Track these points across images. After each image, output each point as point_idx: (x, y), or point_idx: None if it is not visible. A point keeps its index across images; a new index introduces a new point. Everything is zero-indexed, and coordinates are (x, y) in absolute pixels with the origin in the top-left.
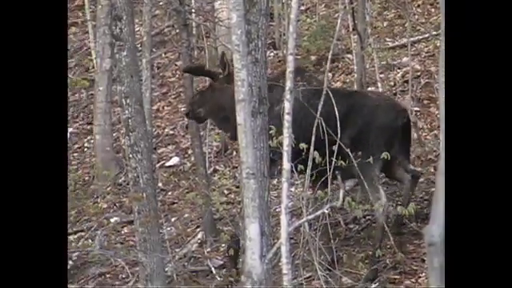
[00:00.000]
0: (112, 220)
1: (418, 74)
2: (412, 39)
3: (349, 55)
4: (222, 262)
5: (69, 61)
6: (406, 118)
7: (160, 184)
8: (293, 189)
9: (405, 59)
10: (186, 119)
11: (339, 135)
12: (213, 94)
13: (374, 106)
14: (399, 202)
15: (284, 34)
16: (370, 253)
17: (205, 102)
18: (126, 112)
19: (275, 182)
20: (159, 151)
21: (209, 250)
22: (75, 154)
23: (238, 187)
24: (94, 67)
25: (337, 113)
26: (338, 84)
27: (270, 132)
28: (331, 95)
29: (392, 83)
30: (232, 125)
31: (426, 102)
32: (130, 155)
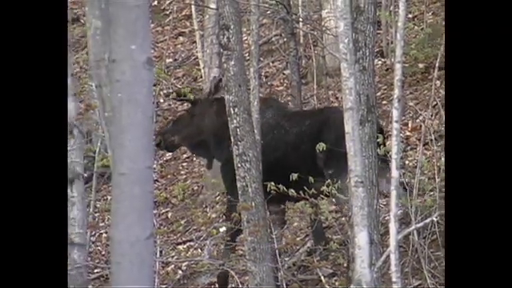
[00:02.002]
0: (221, 229)
1: None
2: None
3: None
4: (331, 271)
5: (176, 70)
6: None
7: None
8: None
9: None
10: None
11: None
12: (191, 119)
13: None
14: None
15: (391, 42)
16: None
17: (180, 128)
18: (234, 121)
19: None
20: None
21: (318, 258)
22: (184, 164)
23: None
24: (201, 77)
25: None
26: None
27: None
28: (298, 116)
29: None
30: (208, 150)
31: None
32: (239, 164)
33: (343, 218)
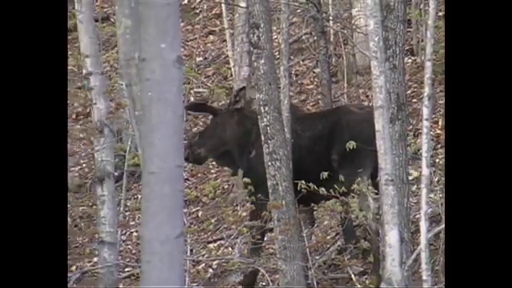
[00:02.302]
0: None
1: None
2: None
3: None
4: (362, 269)
5: (207, 69)
6: None
7: None
8: (432, 195)
9: None
10: None
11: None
12: (215, 130)
13: (358, 120)
14: None
15: (422, 40)
16: None
17: (205, 141)
18: (265, 120)
19: (414, 188)
20: None
21: (349, 256)
22: (214, 163)
23: (377, 193)
24: (232, 75)
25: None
26: None
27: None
28: (310, 119)
29: None
30: (233, 160)
31: None
32: (269, 163)
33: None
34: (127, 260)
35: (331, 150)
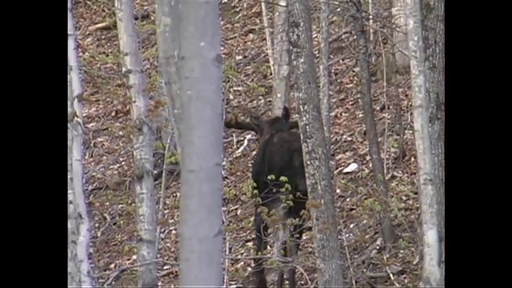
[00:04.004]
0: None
1: None
2: None
3: None
4: (400, 268)
5: (246, 67)
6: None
7: (338, 190)
8: None
9: None
10: (363, 125)
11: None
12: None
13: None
14: None
15: None
16: None
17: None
18: (304, 119)
19: None
20: (337, 157)
21: (387, 256)
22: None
23: (416, 193)
24: (271, 74)
25: None
26: None
27: None
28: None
29: None
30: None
31: None
32: (308, 162)
33: (413, 216)
34: (166, 258)
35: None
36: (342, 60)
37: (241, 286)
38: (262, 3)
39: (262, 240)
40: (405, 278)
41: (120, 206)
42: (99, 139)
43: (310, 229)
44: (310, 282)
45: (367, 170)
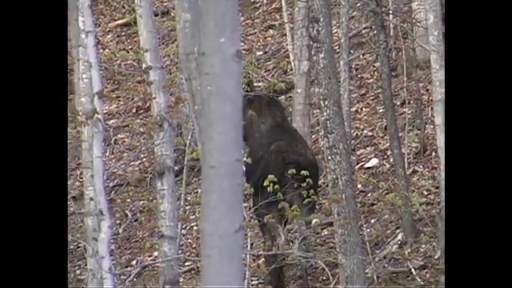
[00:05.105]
0: (312, 222)
1: None
2: None
3: None
4: (422, 263)
5: (267, 63)
6: None
7: (359, 185)
8: None
9: None
10: (384, 120)
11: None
12: None
13: None
14: None
15: None
16: None
17: None
18: (325, 114)
19: None
20: (358, 153)
21: (409, 250)
22: None
23: (437, 188)
24: (291, 69)
25: None
26: None
27: None
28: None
29: None
30: None
31: None
32: (329, 157)
33: (434, 211)
34: (187, 254)
35: None
36: (363, 55)
37: (262, 281)
38: None
39: (269, 234)
40: (426, 272)
41: (141, 202)
42: (120, 136)
43: (331, 224)
44: (331, 278)
45: (388, 165)
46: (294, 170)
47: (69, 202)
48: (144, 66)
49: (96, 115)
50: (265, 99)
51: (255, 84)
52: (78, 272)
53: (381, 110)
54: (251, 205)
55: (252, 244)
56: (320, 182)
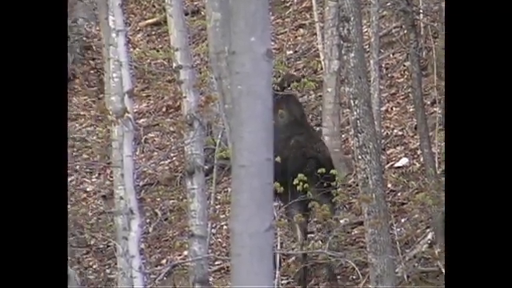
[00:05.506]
0: (342, 221)
1: None
2: None
3: None
4: None
5: (297, 62)
6: None
7: (389, 185)
8: None
9: None
10: (414, 120)
11: None
12: None
13: None
14: None
15: None
16: None
17: None
18: (355, 113)
19: None
20: (388, 152)
21: (439, 250)
22: None
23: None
24: (322, 69)
25: None
26: None
27: None
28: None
29: None
30: None
31: None
32: (359, 156)
33: None
34: (217, 253)
35: None
36: (393, 54)
37: (292, 280)
38: None
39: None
40: None
41: (171, 201)
42: (150, 135)
43: (361, 223)
44: (361, 277)
45: (418, 165)
46: (313, 166)
47: (99, 201)
48: (174, 64)
49: (126, 114)
50: (283, 96)
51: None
52: (108, 271)
53: (411, 110)
54: (281, 204)
55: (282, 243)
56: (350, 182)
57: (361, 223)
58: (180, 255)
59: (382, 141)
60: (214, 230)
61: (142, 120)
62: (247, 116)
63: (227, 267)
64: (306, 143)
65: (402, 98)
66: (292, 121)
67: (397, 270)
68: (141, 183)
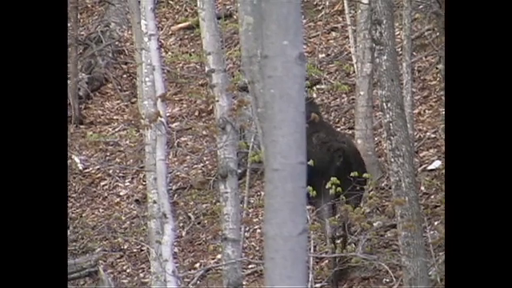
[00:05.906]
0: (375, 224)
1: None
2: None
3: None
4: None
5: (329, 66)
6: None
7: (422, 188)
8: None
9: None
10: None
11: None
12: None
13: None
14: None
15: None
16: None
17: None
18: (387, 116)
19: None
20: (421, 155)
21: None
22: None
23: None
24: (354, 72)
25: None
26: None
27: None
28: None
29: None
30: None
31: None
32: (392, 159)
33: None
34: (251, 257)
35: None
36: (425, 57)
37: (326, 284)
38: (345, 1)
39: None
40: None
41: (204, 205)
42: (183, 139)
43: (394, 226)
44: (395, 280)
45: None
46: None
47: (132, 206)
48: (207, 68)
49: (159, 118)
50: None
51: (318, 86)
52: (141, 275)
53: (443, 112)
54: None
55: (315, 246)
56: (383, 184)
57: (394, 226)
58: (213, 259)
59: (415, 143)
60: (247, 234)
61: (174, 124)
62: (280, 120)
63: (260, 271)
64: (327, 138)
65: (434, 100)
66: (309, 121)
67: (430, 273)
68: (174, 187)
